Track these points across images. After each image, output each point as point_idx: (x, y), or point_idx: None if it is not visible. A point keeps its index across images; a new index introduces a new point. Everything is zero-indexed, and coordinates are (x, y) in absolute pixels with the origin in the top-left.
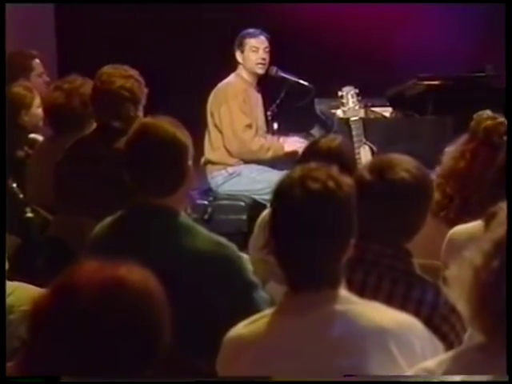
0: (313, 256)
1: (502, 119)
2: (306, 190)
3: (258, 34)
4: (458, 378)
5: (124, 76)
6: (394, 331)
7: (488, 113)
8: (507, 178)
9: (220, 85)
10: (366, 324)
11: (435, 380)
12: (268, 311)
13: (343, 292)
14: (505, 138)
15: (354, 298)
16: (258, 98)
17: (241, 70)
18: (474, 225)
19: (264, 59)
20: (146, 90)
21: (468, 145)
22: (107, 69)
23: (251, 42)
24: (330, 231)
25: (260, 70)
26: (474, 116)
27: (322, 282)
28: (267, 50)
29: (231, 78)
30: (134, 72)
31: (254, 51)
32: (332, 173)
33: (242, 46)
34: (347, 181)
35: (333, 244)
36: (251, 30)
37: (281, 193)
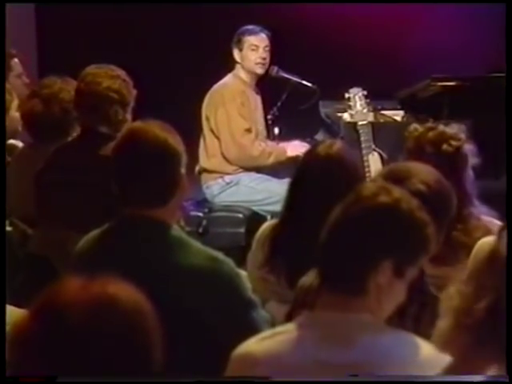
0: (355, 271)
1: (440, 127)
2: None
3: (258, 32)
4: (458, 378)
5: (110, 76)
6: (417, 368)
7: (416, 126)
8: (507, 182)
9: (216, 86)
10: (387, 354)
11: (435, 380)
12: (282, 328)
13: (369, 316)
14: (454, 143)
15: (380, 324)
16: (257, 101)
17: (238, 70)
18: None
19: (264, 59)
20: (134, 92)
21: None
22: (92, 69)
23: (250, 40)
24: (385, 248)
25: (259, 70)
26: (406, 134)
27: (351, 303)
28: (267, 48)
29: (228, 78)
30: (121, 72)
31: (254, 50)
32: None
33: (240, 44)
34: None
35: (381, 261)
36: (250, 27)
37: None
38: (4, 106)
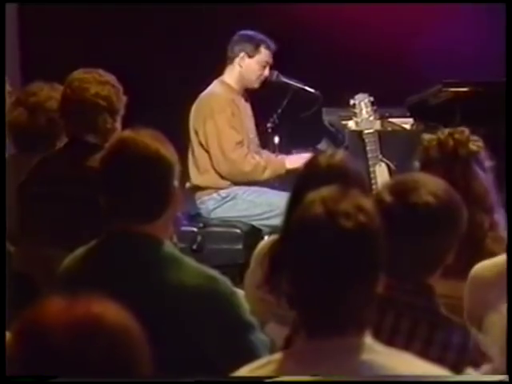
0: (342, 299)
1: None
2: (337, 228)
3: (273, 48)
4: (458, 378)
5: (99, 82)
6: None
7: (430, 136)
8: (507, 184)
9: (203, 96)
10: (390, 379)
11: (435, 380)
12: (277, 356)
13: (368, 339)
14: (477, 142)
15: (379, 347)
16: (246, 108)
17: (230, 73)
18: (503, 258)
19: (266, 77)
20: (124, 98)
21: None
22: (79, 74)
23: (265, 55)
24: (364, 269)
25: (256, 85)
26: (425, 143)
27: (347, 328)
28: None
29: (215, 86)
30: (110, 77)
31: (264, 66)
32: (360, 202)
33: (254, 51)
34: (372, 208)
35: (365, 283)
36: (265, 38)
37: (305, 229)
38: (4, 106)
